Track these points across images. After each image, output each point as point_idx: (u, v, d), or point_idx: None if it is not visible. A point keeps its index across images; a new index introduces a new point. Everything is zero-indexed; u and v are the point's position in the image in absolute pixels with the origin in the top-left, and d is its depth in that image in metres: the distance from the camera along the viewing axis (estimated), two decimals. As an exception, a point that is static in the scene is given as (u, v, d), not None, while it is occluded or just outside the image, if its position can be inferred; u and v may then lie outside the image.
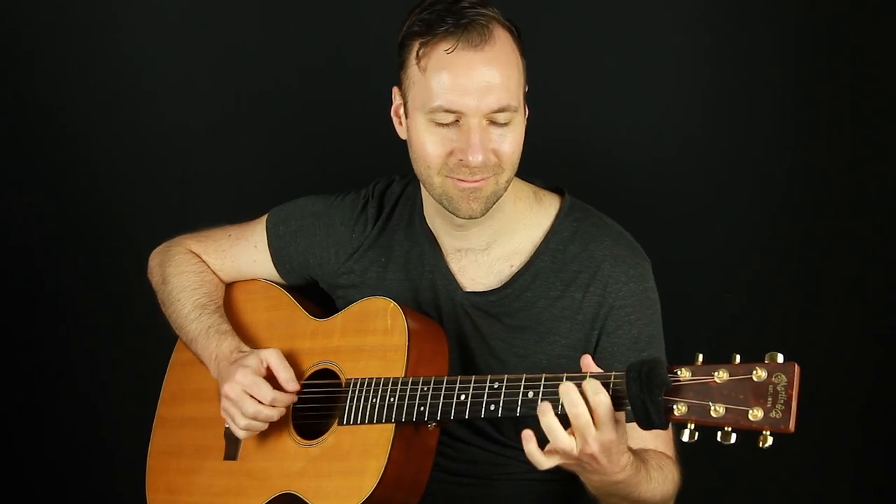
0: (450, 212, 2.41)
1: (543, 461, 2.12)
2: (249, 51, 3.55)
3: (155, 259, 2.87)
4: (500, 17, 2.35)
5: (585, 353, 2.40)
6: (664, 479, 2.35)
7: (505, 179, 2.39)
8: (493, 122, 2.32)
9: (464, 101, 2.29)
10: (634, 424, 2.38)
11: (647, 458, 2.33)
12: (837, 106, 3.24)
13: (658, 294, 2.52)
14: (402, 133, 2.46)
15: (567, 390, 2.07)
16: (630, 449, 2.21)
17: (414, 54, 2.34)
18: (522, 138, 2.38)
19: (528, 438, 2.11)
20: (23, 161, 3.65)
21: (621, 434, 2.10)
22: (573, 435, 2.08)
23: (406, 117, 2.41)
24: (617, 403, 2.06)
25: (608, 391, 2.06)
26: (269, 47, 3.54)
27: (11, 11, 3.59)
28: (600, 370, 2.11)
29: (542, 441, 2.11)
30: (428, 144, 2.35)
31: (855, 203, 3.25)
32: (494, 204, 2.40)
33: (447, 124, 2.32)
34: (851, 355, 3.27)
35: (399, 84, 2.42)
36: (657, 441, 2.44)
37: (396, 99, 2.45)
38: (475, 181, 2.35)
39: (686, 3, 3.29)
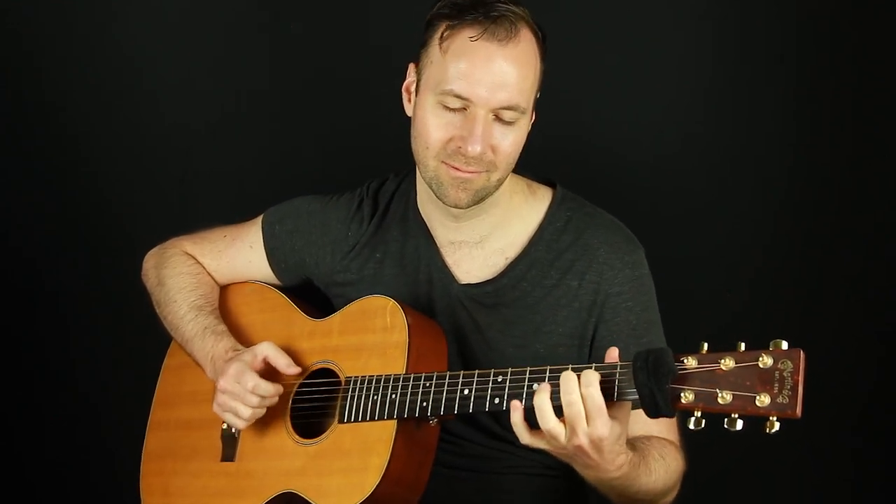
0: (437, 197, 2.41)
1: (526, 436, 2.13)
2: (249, 51, 3.56)
3: (150, 261, 2.86)
4: (529, 18, 2.35)
5: (588, 343, 2.46)
6: (666, 469, 2.34)
7: (497, 178, 2.39)
8: (498, 119, 2.32)
9: (475, 91, 2.29)
10: (640, 411, 2.40)
11: (649, 449, 2.32)
12: (839, 103, 3.25)
13: (653, 281, 2.52)
14: (408, 110, 2.46)
15: (567, 378, 2.07)
16: (630, 445, 2.20)
17: (438, 35, 2.34)
18: (524, 140, 2.39)
19: (515, 408, 2.13)
20: (23, 161, 3.66)
21: (616, 434, 2.09)
22: (564, 423, 2.08)
23: (416, 94, 2.41)
24: (615, 394, 2.06)
25: (614, 380, 2.06)
26: (268, 47, 3.56)
27: (11, 11, 3.60)
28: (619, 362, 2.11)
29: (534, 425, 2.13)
30: (431, 126, 2.35)
31: (856, 201, 3.26)
32: (483, 200, 2.40)
33: (454, 109, 2.32)
34: (853, 353, 3.28)
35: (417, 62, 2.42)
36: (661, 427, 2.43)
37: (411, 75, 2.45)
38: (468, 171, 2.35)
39: (688, 1, 3.30)
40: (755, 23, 3.27)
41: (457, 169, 2.35)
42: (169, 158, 3.62)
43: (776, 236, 3.31)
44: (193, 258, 2.81)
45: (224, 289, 2.81)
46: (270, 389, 2.46)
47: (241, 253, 2.78)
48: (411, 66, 2.44)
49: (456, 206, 2.40)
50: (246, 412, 2.47)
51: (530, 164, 2.48)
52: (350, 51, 3.47)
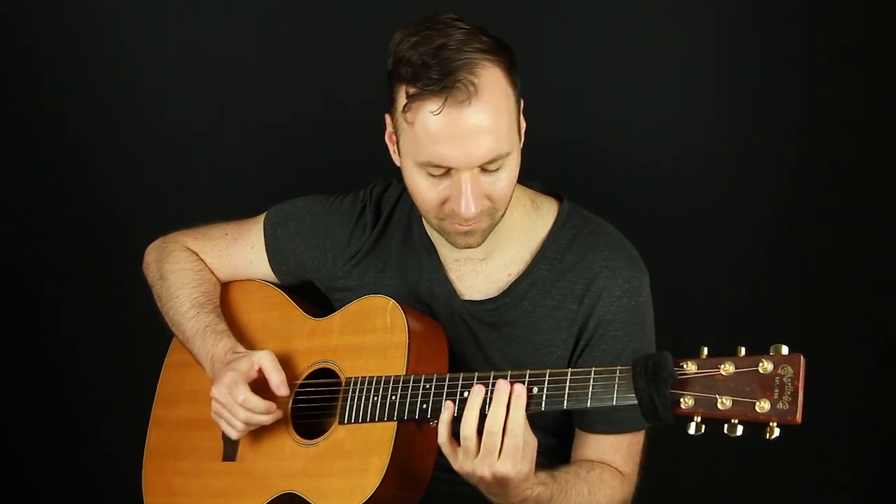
0: (447, 241, 2.41)
1: (445, 435, 2.22)
2: (250, 51, 3.55)
3: (151, 254, 2.85)
4: (487, 49, 2.24)
5: (573, 364, 2.46)
6: (593, 500, 2.38)
7: (500, 215, 2.36)
8: (485, 170, 2.27)
9: (452, 157, 2.22)
10: (598, 436, 2.44)
11: (576, 482, 2.37)
12: (839, 105, 3.24)
13: (652, 307, 2.50)
14: (396, 160, 2.40)
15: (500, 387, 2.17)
16: (551, 475, 2.27)
17: (400, 105, 2.26)
18: (517, 171, 2.33)
19: (447, 408, 2.21)
20: (23, 160, 3.66)
21: (523, 476, 2.16)
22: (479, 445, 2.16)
23: (399, 154, 2.36)
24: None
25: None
26: (269, 47, 3.55)
27: (12, 12, 3.59)
28: None
29: None
30: (423, 190, 2.31)
31: (856, 203, 3.25)
32: (491, 232, 2.38)
33: (439, 175, 2.27)
34: (852, 354, 3.27)
35: (390, 114, 2.36)
36: (615, 456, 2.45)
37: (389, 126, 2.38)
38: (470, 225, 2.32)
39: (690, 3, 3.30)
40: (757, 25, 3.26)
41: (458, 225, 2.32)
42: (169, 158, 3.61)
43: (776, 238, 3.30)
44: (195, 254, 2.80)
45: (225, 286, 2.80)
46: (260, 406, 2.44)
47: (242, 253, 2.77)
48: (387, 117, 2.37)
49: (467, 248, 2.38)
50: (236, 424, 2.48)
51: (533, 167, 2.46)
52: (351, 51, 3.47)
